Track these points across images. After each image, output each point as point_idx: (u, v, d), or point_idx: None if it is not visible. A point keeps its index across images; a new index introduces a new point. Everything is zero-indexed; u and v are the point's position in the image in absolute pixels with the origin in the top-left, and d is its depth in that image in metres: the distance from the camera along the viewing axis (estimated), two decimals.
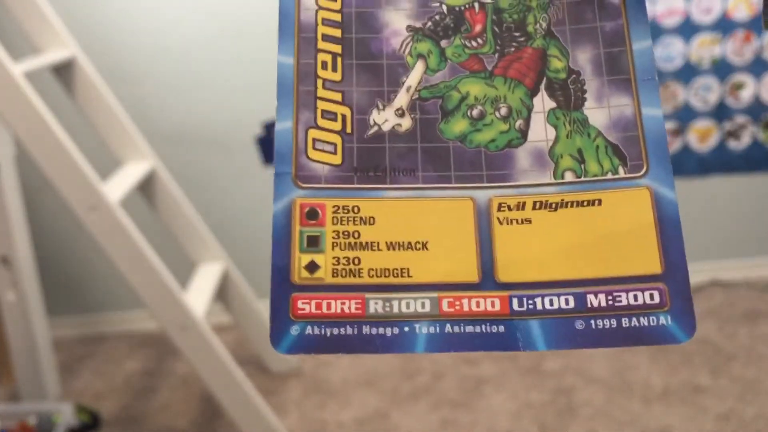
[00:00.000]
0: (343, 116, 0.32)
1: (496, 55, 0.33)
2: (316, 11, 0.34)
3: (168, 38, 1.88)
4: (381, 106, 0.32)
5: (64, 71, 1.52)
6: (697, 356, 1.73)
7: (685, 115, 1.97)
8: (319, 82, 0.32)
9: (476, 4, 0.33)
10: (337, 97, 0.32)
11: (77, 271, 2.08)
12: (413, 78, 0.32)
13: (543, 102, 0.32)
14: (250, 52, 1.89)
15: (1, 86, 1.23)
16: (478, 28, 0.33)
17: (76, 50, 1.51)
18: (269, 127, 1.92)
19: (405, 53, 0.33)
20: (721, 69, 1.94)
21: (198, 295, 1.52)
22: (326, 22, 0.33)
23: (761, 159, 2.01)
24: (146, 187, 1.62)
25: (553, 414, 1.57)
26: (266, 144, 1.93)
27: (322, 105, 0.32)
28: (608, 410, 1.56)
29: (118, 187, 1.40)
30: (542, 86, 0.32)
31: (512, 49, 0.33)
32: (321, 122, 0.32)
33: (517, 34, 0.33)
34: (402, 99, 0.32)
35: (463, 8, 0.33)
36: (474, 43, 0.33)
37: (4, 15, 1.55)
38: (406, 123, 0.31)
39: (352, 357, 1.84)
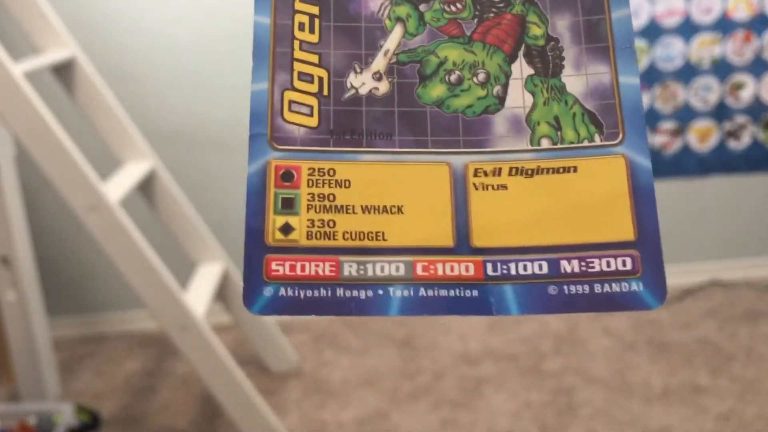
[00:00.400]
0: (320, 78, 0.32)
1: (475, 20, 0.33)
2: None
3: (168, 38, 1.88)
4: (358, 69, 0.32)
5: (64, 71, 1.52)
6: (697, 356, 1.73)
7: (685, 115, 1.97)
8: (296, 44, 0.32)
9: None
10: (314, 59, 0.32)
11: (77, 271, 2.08)
12: (391, 42, 0.32)
13: (521, 68, 0.32)
14: (250, 52, 1.89)
15: (1, 86, 1.23)
16: None
17: (76, 50, 1.51)
18: None
19: (383, 16, 0.32)
20: (721, 69, 1.94)
21: (198, 295, 1.52)
22: None
23: (761, 159, 2.01)
24: (146, 187, 1.62)
25: (553, 414, 1.57)
26: None
27: (298, 67, 0.32)
28: (608, 410, 1.56)
29: (118, 187, 1.40)
30: (521, 53, 0.32)
31: (491, 14, 0.33)
32: (297, 84, 0.32)
33: (496, 0, 0.33)
34: (380, 63, 0.32)
35: None
36: (453, 8, 0.33)
37: (4, 15, 1.55)
38: (384, 87, 0.31)
39: (352, 356, 1.84)
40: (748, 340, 1.78)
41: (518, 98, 0.32)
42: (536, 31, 0.32)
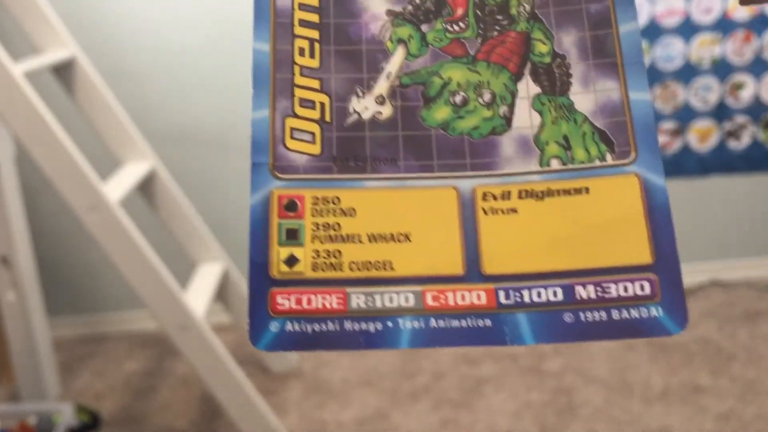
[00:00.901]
0: (322, 104, 0.31)
1: (479, 39, 0.32)
2: None
3: (168, 38, 1.89)
4: (360, 94, 0.31)
5: (64, 71, 1.52)
6: (697, 356, 1.73)
7: (685, 115, 1.97)
8: (297, 69, 0.32)
9: None
10: (315, 84, 0.31)
11: (77, 271, 2.08)
12: (393, 64, 0.31)
13: (527, 87, 0.31)
14: (250, 52, 1.89)
15: (1, 86, 1.23)
16: (459, 11, 0.32)
17: (76, 50, 1.51)
18: None
19: (385, 38, 0.32)
20: (721, 69, 1.94)
21: (198, 295, 1.52)
22: (303, 6, 0.33)
23: (761, 159, 2.01)
24: (146, 187, 1.62)
25: (553, 414, 1.57)
26: None
27: (299, 93, 0.31)
28: (608, 410, 1.56)
29: (118, 187, 1.40)
30: (526, 71, 0.31)
31: (495, 33, 0.32)
32: (299, 111, 0.31)
33: (500, 17, 0.32)
34: (382, 86, 0.31)
35: None
36: (456, 27, 0.32)
37: (4, 15, 1.54)
38: (387, 111, 0.31)
39: (352, 356, 1.84)
40: (748, 340, 1.78)
41: (525, 118, 0.31)
42: (542, 48, 0.32)
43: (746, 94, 1.96)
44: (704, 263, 2.08)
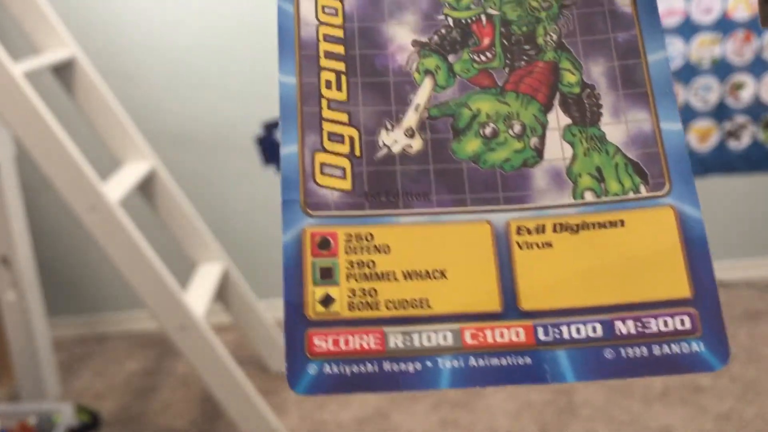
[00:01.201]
0: (351, 138, 0.30)
1: (506, 69, 0.31)
2: (317, 27, 0.32)
3: (168, 38, 1.89)
4: (390, 127, 0.30)
5: (64, 71, 1.52)
6: None
7: (685, 115, 1.97)
8: (324, 103, 0.31)
9: (483, 17, 0.32)
10: (344, 117, 0.30)
11: (77, 271, 2.08)
12: (422, 96, 0.31)
13: (558, 118, 0.31)
14: (250, 53, 1.89)
15: (1, 86, 1.23)
16: (486, 41, 0.32)
17: (76, 50, 1.51)
18: (269, 127, 1.92)
19: (412, 69, 0.31)
20: (721, 69, 1.94)
21: (198, 295, 1.52)
22: (328, 38, 0.32)
23: (761, 159, 2.01)
24: (146, 187, 1.62)
25: (553, 414, 1.57)
26: (266, 144, 1.93)
27: (328, 127, 0.30)
28: (608, 410, 1.56)
29: (118, 187, 1.40)
30: (556, 101, 0.31)
31: (522, 62, 0.31)
32: (328, 145, 0.30)
33: (527, 47, 0.32)
34: (411, 118, 0.30)
35: (469, 21, 0.32)
36: (483, 57, 0.31)
37: (4, 15, 1.54)
38: (417, 144, 0.30)
39: None
40: (748, 340, 1.78)
41: (557, 149, 0.30)
42: (570, 78, 0.31)
43: (746, 94, 1.96)
44: None
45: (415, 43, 0.32)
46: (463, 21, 0.32)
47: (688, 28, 1.90)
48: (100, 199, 1.29)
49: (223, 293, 1.73)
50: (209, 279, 1.62)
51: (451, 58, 0.31)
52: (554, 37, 0.32)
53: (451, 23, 0.32)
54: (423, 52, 0.31)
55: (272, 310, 1.95)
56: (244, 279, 1.78)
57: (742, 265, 2.10)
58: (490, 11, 0.32)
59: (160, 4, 1.86)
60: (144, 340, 2.05)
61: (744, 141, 2.00)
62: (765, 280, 2.07)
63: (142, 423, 1.68)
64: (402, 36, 0.32)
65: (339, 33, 0.32)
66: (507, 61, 0.31)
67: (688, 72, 1.94)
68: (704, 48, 1.92)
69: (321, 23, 0.32)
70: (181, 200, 1.65)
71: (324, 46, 0.32)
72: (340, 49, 0.32)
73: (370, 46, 0.32)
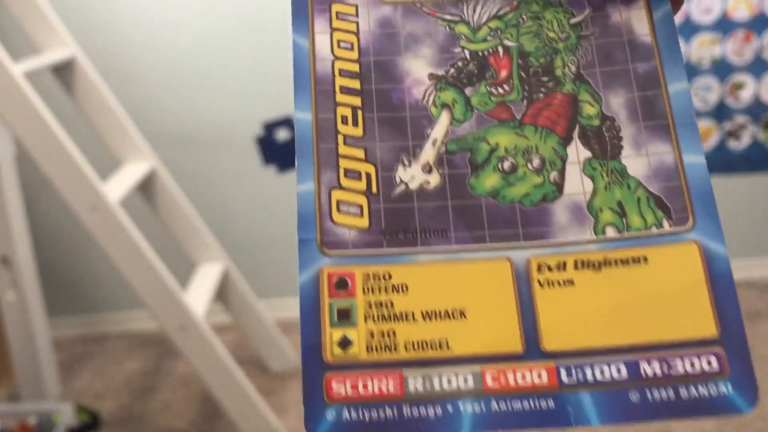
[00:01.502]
0: (368, 175, 0.30)
1: (525, 102, 0.31)
2: (333, 62, 0.31)
3: (168, 38, 1.88)
4: (407, 162, 0.30)
5: (64, 71, 1.52)
6: None
7: None
8: (340, 139, 0.30)
9: (500, 49, 0.32)
10: (360, 154, 0.30)
11: (77, 271, 2.08)
12: (439, 130, 0.30)
13: (577, 151, 0.30)
14: (250, 53, 1.89)
15: (1, 86, 1.23)
16: (503, 73, 0.31)
17: (76, 50, 1.51)
18: (269, 127, 1.92)
19: (428, 103, 0.31)
20: (721, 69, 1.94)
21: (198, 295, 1.52)
22: (344, 72, 0.31)
23: (761, 159, 2.01)
24: (146, 187, 1.62)
25: None
26: (266, 144, 1.93)
27: (344, 163, 0.30)
28: None
29: (118, 187, 1.40)
30: (575, 134, 0.30)
31: (541, 95, 0.31)
32: (344, 182, 0.30)
33: (545, 78, 0.31)
34: (428, 153, 0.30)
35: (486, 53, 0.32)
36: (500, 90, 0.31)
37: (4, 15, 1.54)
38: (434, 179, 0.30)
39: None
40: (748, 340, 1.78)
41: (577, 184, 0.30)
42: (590, 110, 0.30)
43: (746, 94, 1.96)
44: None
45: (431, 76, 0.31)
46: (480, 53, 0.32)
47: (688, 28, 1.90)
48: (100, 199, 1.29)
49: (223, 293, 1.73)
50: (209, 279, 1.62)
51: (468, 91, 0.31)
52: (573, 68, 0.31)
53: (468, 56, 0.32)
54: (439, 86, 0.31)
55: (272, 310, 1.95)
56: (244, 279, 1.78)
57: (742, 265, 2.10)
58: (507, 43, 0.32)
59: (160, 4, 1.86)
60: (144, 340, 2.05)
61: (744, 141, 2.00)
62: (765, 280, 2.07)
63: (142, 423, 1.68)
64: (418, 69, 0.31)
65: (355, 67, 0.31)
66: (525, 94, 0.31)
67: (688, 72, 1.93)
68: (704, 48, 1.92)
69: (336, 58, 0.32)
70: (181, 200, 1.65)
71: (340, 81, 0.31)
72: (356, 83, 0.31)
73: (386, 80, 0.31)
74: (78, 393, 1.81)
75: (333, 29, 0.32)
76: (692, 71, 1.94)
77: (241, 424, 1.42)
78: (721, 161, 2.01)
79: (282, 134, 1.92)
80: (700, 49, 1.92)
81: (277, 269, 2.04)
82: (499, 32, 0.32)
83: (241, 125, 1.93)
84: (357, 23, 0.32)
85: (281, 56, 1.89)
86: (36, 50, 1.50)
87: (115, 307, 2.11)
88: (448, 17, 0.33)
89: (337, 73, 0.31)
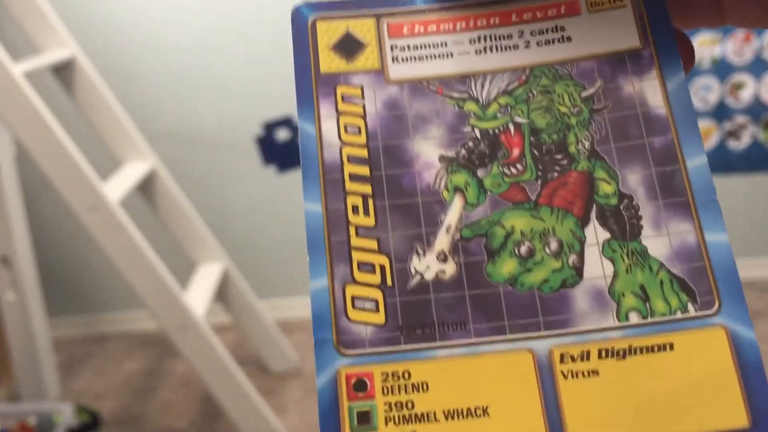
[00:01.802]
0: (382, 267, 0.29)
1: (539, 181, 0.30)
2: (340, 148, 0.31)
3: (168, 38, 1.89)
4: (421, 251, 0.29)
5: (64, 71, 1.52)
6: None
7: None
8: (352, 230, 0.29)
9: (511, 126, 0.31)
10: (373, 245, 0.29)
11: (77, 271, 2.08)
12: (452, 216, 0.29)
13: (596, 233, 0.29)
14: (250, 53, 1.89)
15: (1, 86, 1.23)
16: (515, 152, 0.30)
17: (76, 50, 1.51)
18: (269, 127, 1.92)
19: (440, 188, 0.30)
20: (721, 69, 1.94)
21: (198, 295, 1.52)
22: (352, 159, 0.30)
23: (761, 159, 2.01)
24: (146, 187, 1.62)
25: None
26: (266, 144, 1.93)
27: (357, 256, 0.29)
28: None
29: (118, 187, 1.40)
30: (593, 214, 0.29)
31: (555, 174, 0.30)
32: (358, 276, 0.29)
33: (558, 156, 0.30)
34: (443, 241, 0.29)
35: (497, 131, 0.31)
36: (513, 170, 0.30)
37: (4, 15, 1.55)
38: (450, 269, 0.29)
39: None
40: None
41: (597, 267, 0.29)
42: (606, 188, 0.29)
43: (746, 94, 1.96)
44: None
45: (442, 158, 0.30)
46: (491, 132, 0.31)
47: None
48: (100, 199, 1.29)
49: (223, 293, 1.73)
50: (209, 279, 1.62)
51: (480, 172, 0.30)
52: (587, 144, 0.30)
53: (479, 135, 0.31)
54: (451, 168, 0.30)
55: (272, 310, 1.95)
56: (244, 279, 1.78)
57: (743, 265, 2.10)
58: (518, 119, 0.31)
59: (160, 4, 1.86)
60: (144, 340, 2.05)
61: (744, 141, 2.00)
62: (765, 280, 2.07)
63: (142, 423, 1.68)
64: (428, 152, 0.31)
65: (363, 153, 0.30)
66: (539, 173, 0.30)
67: None
68: (704, 48, 1.92)
69: (344, 144, 0.31)
70: (181, 200, 1.65)
71: (348, 169, 0.30)
72: (365, 170, 0.30)
73: (395, 165, 0.30)
74: (78, 393, 1.81)
75: (339, 113, 0.31)
76: (692, 71, 1.94)
77: (241, 424, 1.42)
78: (721, 161, 2.01)
79: (282, 134, 1.92)
80: (700, 48, 1.92)
81: (277, 269, 2.04)
82: (509, 108, 0.31)
83: (241, 125, 1.93)
84: (363, 105, 0.31)
85: (281, 56, 1.89)
86: (36, 50, 1.50)
87: (115, 307, 2.11)
88: (456, 95, 0.31)
89: (345, 160, 0.30)
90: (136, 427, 1.67)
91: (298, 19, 0.31)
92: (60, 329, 2.05)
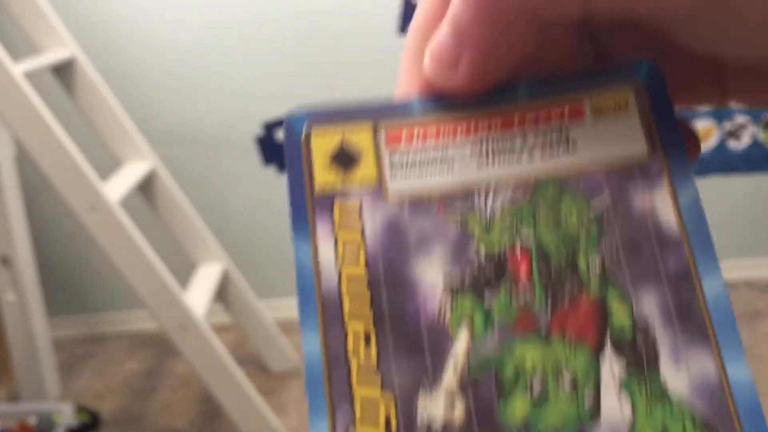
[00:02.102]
0: (386, 410, 0.27)
1: (548, 308, 0.28)
2: (339, 274, 0.29)
3: (168, 38, 1.89)
4: (428, 392, 0.27)
5: (64, 71, 1.52)
6: None
7: (684, 115, 1.97)
8: (353, 369, 0.28)
9: (517, 245, 0.29)
10: (376, 385, 0.27)
11: (77, 271, 2.08)
12: (459, 350, 0.28)
13: (611, 366, 0.28)
14: (250, 53, 1.89)
15: (1, 86, 1.23)
16: (523, 276, 0.29)
17: (76, 50, 1.51)
18: (269, 127, 1.92)
19: (446, 319, 0.28)
20: None
21: (198, 295, 1.52)
22: (351, 287, 0.29)
23: (761, 159, 2.01)
24: (146, 187, 1.62)
25: None
26: (266, 144, 1.93)
27: (359, 398, 0.28)
28: None
29: (118, 187, 1.40)
30: (607, 345, 0.28)
31: (565, 299, 0.28)
32: (360, 422, 0.27)
33: (568, 279, 0.29)
34: (450, 380, 0.27)
35: (503, 251, 0.29)
36: (521, 296, 0.29)
37: (4, 15, 1.55)
38: (459, 411, 0.27)
39: None
40: (748, 340, 1.78)
41: (615, 406, 0.27)
42: (621, 315, 0.28)
43: None
44: None
45: (446, 284, 0.29)
46: (496, 252, 0.29)
47: None
48: (100, 199, 1.29)
49: (223, 293, 1.73)
50: (209, 279, 1.62)
51: (486, 298, 0.29)
52: (597, 265, 0.29)
53: (484, 256, 0.29)
54: (456, 295, 0.29)
55: (272, 310, 1.95)
56: (244, 279, 1.78)
57: (742, 265, 2.10)
58: (525, 238, 0.30)
59: (160, 4, 1.86)
60: (144, 340, 2.05)
61: (744, 141, 2.00)
62: (765, 280, 2.07)
63: (142, 423, 1.68)
64: (431, 276, 0.29)
65: (363, 280, 0.29)
66: (548, 299, 0.28)
67: None
68: None
69: (343, 270, 0.29)
70: (181, 200, 1.65)
71: (348, 299, 0.29)
72: (365, 300, 0.29)
73: (398, 293, 0.29)
74: (78, 393, 1.81)
75: (337, 234, 0.29)
76: None
77: (241, 424, 1.42)
78: (721, 161, 2.01)
79: (282, 134, 1.92)
80: None
81: (277, 269, 2.04)
82: (514, 226, 0.30)
83: (241, 125, 1.93)
84: (362, 225, 0.29)
85: (281, 56, 1.89)
86: (36, 50, 1.50)
87: (115, 307, 2.11)
88: (458, 211, 0.30)
89: (344, 289, 0.29)
90: (136, 427, 1.67)
91: (291, 129, 0.29)
92: (60, 329, 2.05)
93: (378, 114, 0.30)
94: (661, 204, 0.29)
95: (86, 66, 1.52)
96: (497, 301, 0.28)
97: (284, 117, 0.27)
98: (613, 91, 0.30)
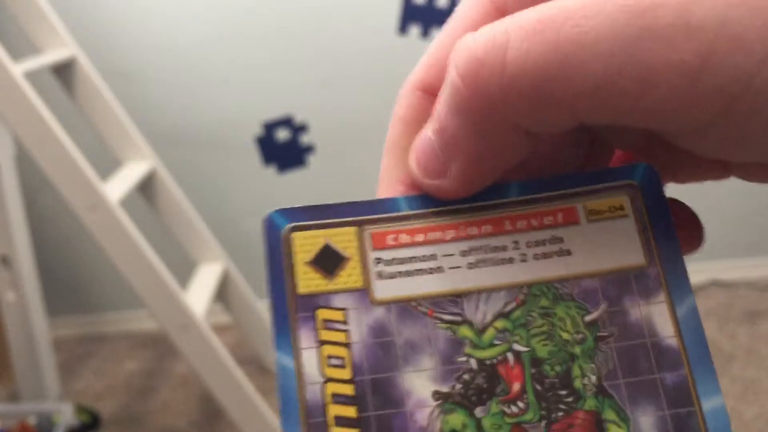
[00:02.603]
0: None
1: (543, 422, 0.27)
2: (323, 384, 0.28)
3: (168, 38, 1.89)
4: None
5: (64, 71, 1.52)
6: None
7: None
8: None
9: (510, 355, 0.28)
10: None
11: (77, 271, 2.08)
12: None
13: None
14: (250, 53, 1.89)
15: (1, 86, 1.23)
16: (516, 387, 0.28)
17: (76, 50, 1.51)
18: (269, 127, 1.92)
19: None
20: None
21: (198, 295, 1.52)
22: (337, 398, 0.28)
23: None
24: (146, 187, 1.62)
25: None
26: (266, 144, 1.93)
27: None
28: None
29: (118, 187, 1.40)
30: None
31: (560, 413, 0.27)
32: None
33: (563, 392, 0.27)
34: None
35: (495, 361, 0.28)
36: (514, 409, 0.27)
37: (4, 15, 1.55)
38: None
39: None
40: (748, 340, 1.78)
41: None
42: None
43: None
44: (704, 263, 2.08)
45: (435, 395, 0.28)
46: (488, 362, 0.28)
47: None
48: (100, 199, 1.29)
49: (223, 293, 1.73)
50: (209, 279, 1.62)
51: (478, 411, 0.27)
52: (593, 378, 0.28)
53: (475, 366, 0.28)
54: (446, 407, 0.27)
55: None
56: (244, 279, 1.78)
57: (742, 265, 2.10)
58: (517, 348, 0.28)
59: (160, 4, 1.86)
60: (144, 340, 2.05)
61: None
62: (765, 280, 2.07)
63: (142, 423, 1.68)
64: (420, 387, 0.28)
65: (349, 390, 0.28)
66: (542, 412, 0.27)
67: None
68: None
69: (327, 380, 0.28)
70: (181, 200, 1.65)
71: (333, 410, 0.28)
72: (351, 411, 0.28)
73: (385, 404, 0.28)
74: (78, 393, 1.81)
75: (320, 343, 0.28)
76: None
77: (241, 424, 1.42)
78: None
79: (282, 134, 1.92)
80: None
81: None
82: (507, 334, 0.28)
83: (241, 125, 1.93)
84: (347, 332, 0.28)
85: (281, 57, 1.89)
86: (36, 50, 1.50)
87: (115, 307, 2.11)
88: (448, 318, 0.29)
89: (329, 400, 0.28)
90: (136, 427, 1.67)
91: (270, 229, 0.28)
92: (60, 329, 2.05)
93: (362, 213, 0.29)
94: (658, 315, 0.28)
95: (86, 66, 1.52)
96: (489, 414, 0.27)
97: (264, 218, 0.26)
98: (607, 196, 0.29)
